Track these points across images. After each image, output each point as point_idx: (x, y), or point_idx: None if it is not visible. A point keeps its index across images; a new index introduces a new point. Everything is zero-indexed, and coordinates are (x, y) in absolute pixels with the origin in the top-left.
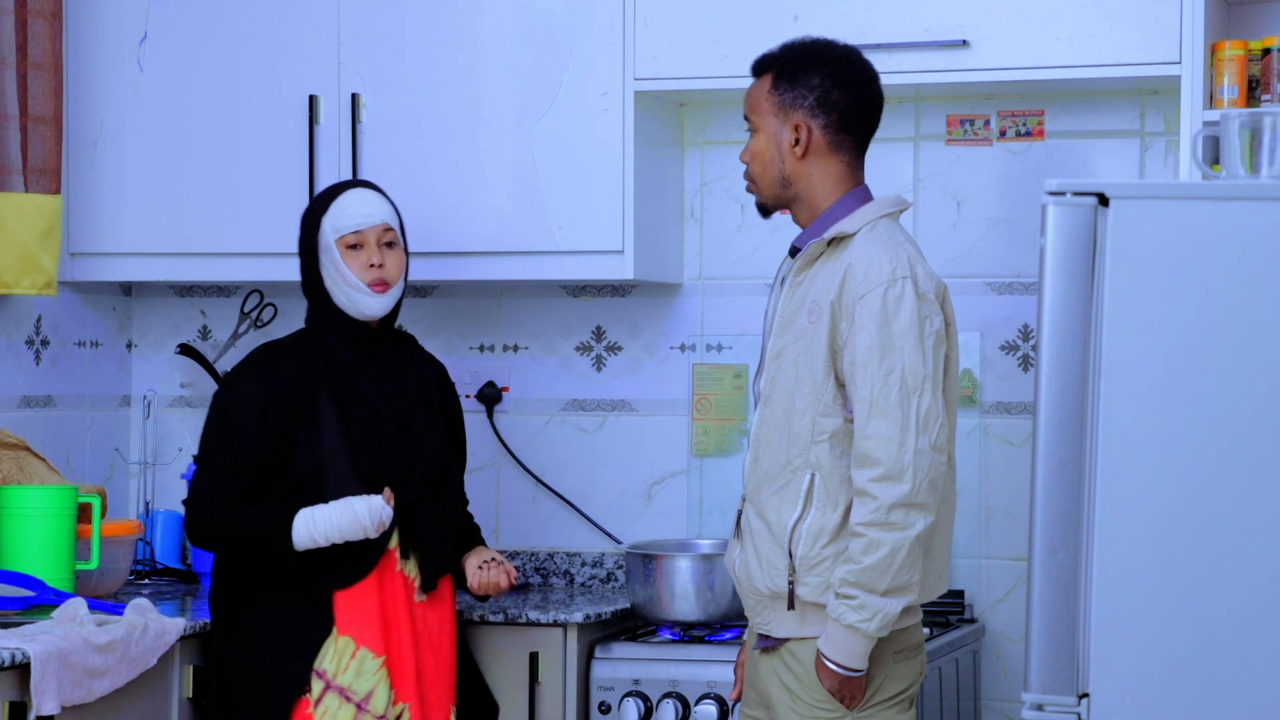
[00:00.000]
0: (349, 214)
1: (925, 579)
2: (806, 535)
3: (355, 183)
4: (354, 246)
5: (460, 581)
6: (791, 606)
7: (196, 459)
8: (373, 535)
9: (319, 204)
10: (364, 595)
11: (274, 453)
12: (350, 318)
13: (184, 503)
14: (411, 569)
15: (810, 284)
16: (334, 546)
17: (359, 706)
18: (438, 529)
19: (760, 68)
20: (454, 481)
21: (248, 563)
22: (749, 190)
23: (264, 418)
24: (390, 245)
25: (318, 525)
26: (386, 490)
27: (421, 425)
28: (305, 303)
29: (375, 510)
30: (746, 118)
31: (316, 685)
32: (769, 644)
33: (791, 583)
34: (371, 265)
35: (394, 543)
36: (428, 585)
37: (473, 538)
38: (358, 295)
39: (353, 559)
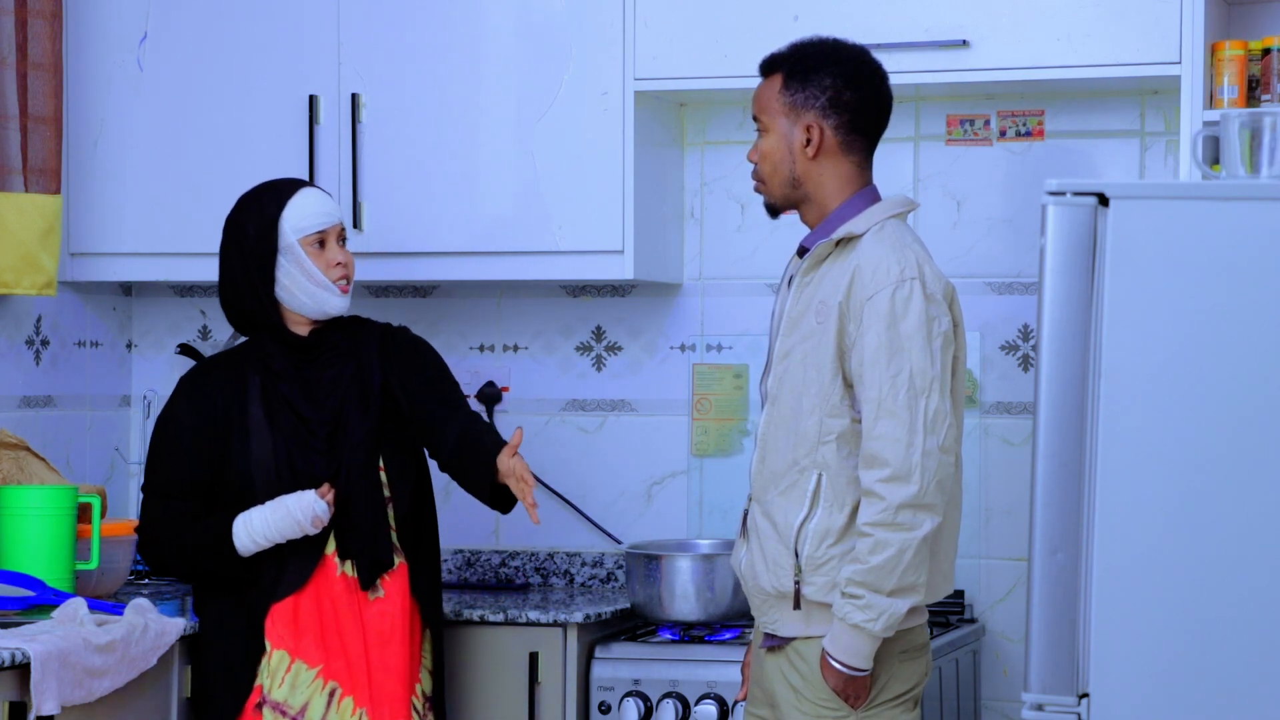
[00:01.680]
0: (312, 213)
1: (931, 579)
2: (813, 535)
3: (298, 181)
4: (317, 244)
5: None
6: (797, 606)
7: (142, 486)
8: (311, 531)
9: (270, 204)
10: (300, 606)
11: (211, 468)
12: (286, 327)
13: (135, 530)
14: (353, 569)
15: (818, 284)
16: (269, 559)
17: None
18: (372, 525)
19: (769, 67)
20: (395, 463)
21: (205, 578)
22: (757, 190)
23: (197, 435)
24: (342, 243)
25: (254, 527)
26: (325, 485)
27: (352, 425)
28: None
29: (307, 505)
30: (756, 118)
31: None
32: (774, 643)
33: (797, 582)
34: (338, 263)
35: (331, 548)
36: (366, 584)
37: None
38: (324, 294)
39: (287, 571)
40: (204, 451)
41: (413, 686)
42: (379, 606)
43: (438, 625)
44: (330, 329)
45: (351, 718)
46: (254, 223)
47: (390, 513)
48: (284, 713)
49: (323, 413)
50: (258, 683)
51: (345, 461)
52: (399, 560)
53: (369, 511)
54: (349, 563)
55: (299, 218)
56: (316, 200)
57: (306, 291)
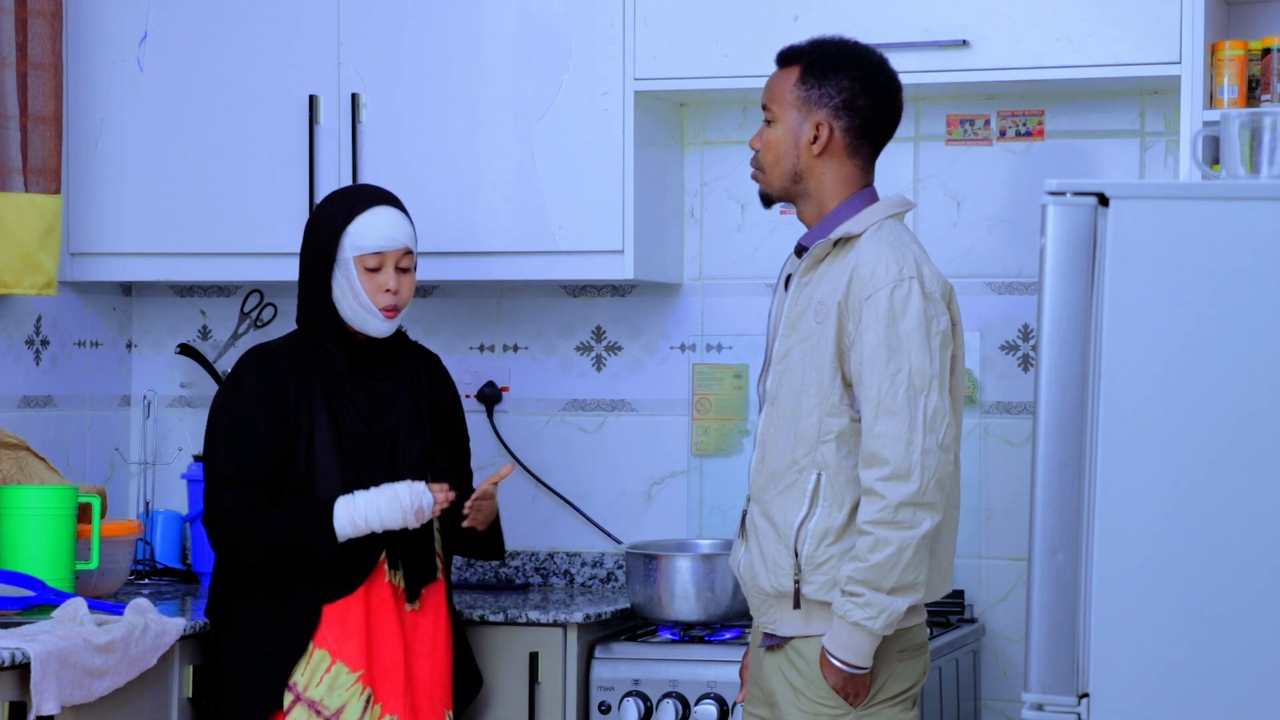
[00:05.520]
0: (374, 235)
1: (930, 578)
2: (812, 535)
3: (379, 196)
4: (372, 268)
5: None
6: (797, 605)
7: (209, 473)
8: (412, 523)
9: (341, 214)
10: (350, 608)
11: (283, 455)
12: (345, 329)
13: (205, 521)
14: (400, 578)
15: (817, 284)
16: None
17: None
18: (423, 540)
19: (787, 59)
20: (444, 479)
21: (291, 564)
22: (754, 178)
23: (272, 418)
24: (405, 270)
25: (358, 509)
26: (445, 484)
27: (408, 436)
28: None
29: (418, 494)
30: (765, 106)
31: (287, 698)
32: (774, 642)
33: (797, 582)
34: (387, 290)
35: (383, 553)
36: (412, 595)
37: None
38: (367, 317)
39: (343, 573)
40: (278, 437)
41: (446, 698)
42: (418, 618)
43: (463, 633)
44: (380, 341)
45: None
46: (324, 228)
47: (434, 526)
48: (319, 712)
49: (385, 423)
50: (291, 680)
51: (405, 473)
52: (439, 574)
53: (423, 525)
54: (398, 573)
55: (359, 235)
56: (382, 222)
57: (351, 308)
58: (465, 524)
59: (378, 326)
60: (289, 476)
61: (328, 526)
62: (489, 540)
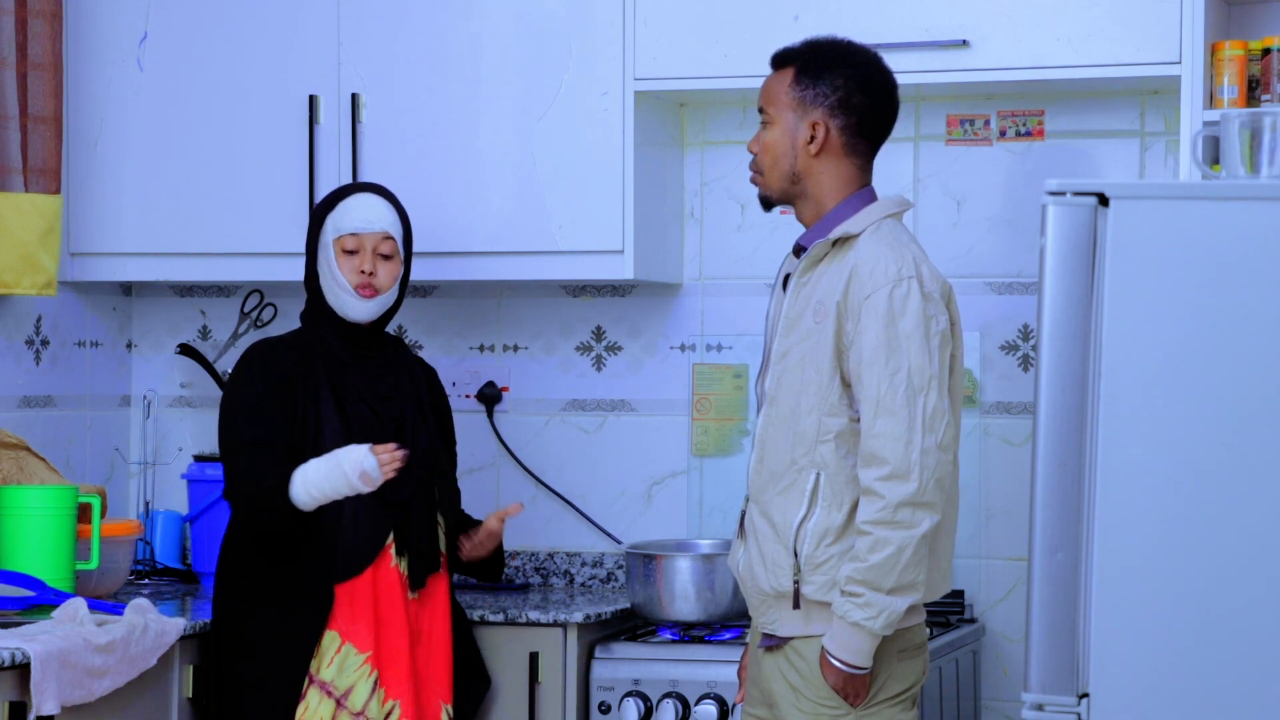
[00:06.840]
0: (350, 217)
1: (930, 578)
2: (812, 535)
3: (368, 187)
4: (350, 251)
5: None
6: (796, 605)
7: (226, 451)
8: (361, 488)
9: (328, 202)
10: (358, 589)
11: (293, 432)
12: (342, 319)
13: (226, 495)
14: (405, 566)
15: (816, 284)
16: (334, 539)
17: (338, 703)
18: (428, 529)
19: (781, 60)
20: (446, 482)
21: (285, 538)
22: (754, 181)
23: (280, 397)
24: (387, 256)
25: (309, 477)
26: (393, 445)
27: (415, 426)
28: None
29: (356, 460)
30: (761, 109)
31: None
32: (773, 643)
33: (797, 582)
34: (362, 271)
35: (390, 539)
36: (416, 583)
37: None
38: (345, 296)
39: (349, 554)
40: (288, 411)
41: (445, 691)
42: (416, 606)
43: (468, 630)
44: (379, 336)
45: (383, 708)
46: (313, 217)
47: (439, 519)
48: (330, 693)
49: (390, 409)
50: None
51: (414, 460)
52: (442, 565)
53: (431, 514)
54: (403, 559)
55: (338, 217)
56: (360, 205)
57: (332, 291)
58: (464, 555)
59: (355, 306)
60: (300, 460)
61: (289, 496)
62: (491, 563)
